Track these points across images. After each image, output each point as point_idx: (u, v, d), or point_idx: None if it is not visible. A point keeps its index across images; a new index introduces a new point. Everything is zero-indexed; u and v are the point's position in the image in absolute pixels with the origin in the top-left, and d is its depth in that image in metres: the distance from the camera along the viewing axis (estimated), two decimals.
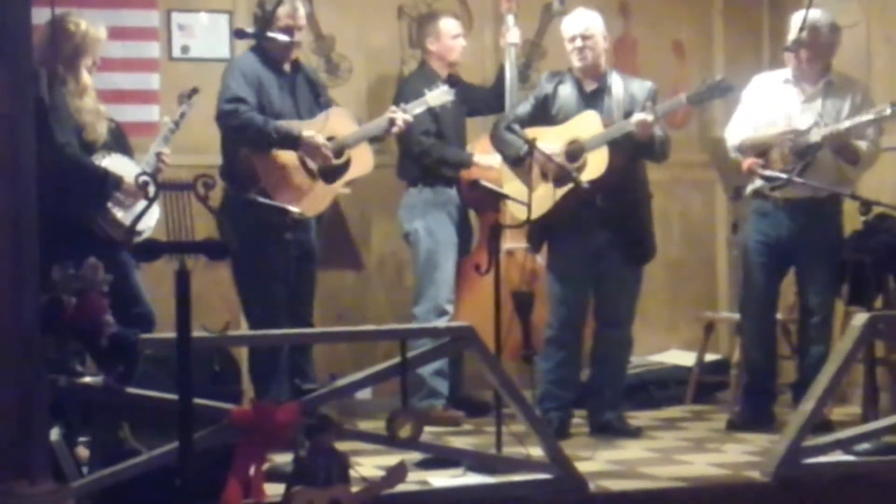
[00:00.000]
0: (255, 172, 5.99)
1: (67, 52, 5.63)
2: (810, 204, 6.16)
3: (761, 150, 6.16)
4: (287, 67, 6.22)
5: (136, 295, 5.63)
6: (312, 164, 6.07)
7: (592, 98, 6.23)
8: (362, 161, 6.25)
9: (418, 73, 6.85)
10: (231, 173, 6.08)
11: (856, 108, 6.16)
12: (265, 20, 6.11)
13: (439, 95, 6.42)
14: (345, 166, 6.17)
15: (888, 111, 5.91)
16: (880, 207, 5.89)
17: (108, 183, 5.61)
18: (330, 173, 6.13)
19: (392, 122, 6.21)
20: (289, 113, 6.12)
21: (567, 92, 6.25)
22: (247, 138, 6.00)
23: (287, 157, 6.04)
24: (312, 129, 6.06)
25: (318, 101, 6.29)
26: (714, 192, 7.70)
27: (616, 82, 6.24)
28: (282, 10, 6.10)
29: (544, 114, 6.23)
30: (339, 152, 6.14)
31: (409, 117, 6.26)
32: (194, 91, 6.09)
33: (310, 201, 6.08)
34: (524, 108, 6.32)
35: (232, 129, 6.03)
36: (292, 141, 6.01)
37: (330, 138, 6.12)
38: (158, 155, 5.88)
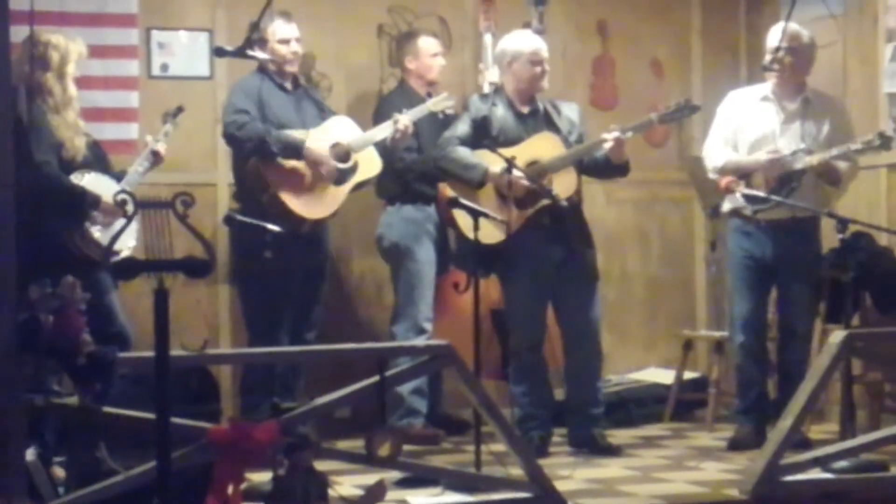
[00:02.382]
0: (263, 180, 6.11)
1: (55, 63, 5.61)
2: (792, 224, 6.20)
3: (745, 173, 6.17)
4: (289, 85, 6.37)
5: (111, 314, 5.61)
6: (317, 174, 6.20)
7: (528, 119, 6.26)
8: (369, 164, 6.38)
9: (397, 92, 6.88)
10: (241, 190, 6.23)
11: (835, 129, 6.21)
12: (261, 39, 6.20)
13: (440, 102, 6.53)
14: (352, 169, 6.28)
15: (877, 142, 5.96)
16: (857, 225, 5.92)
17: (86, 202, 5.61)
18: (339, 176, 6.24)
19: (396, 122, 6.32)
20: (294, 126, 6.25)
21: (502, 113, 6.25)
22: (251, 148, 6.14)
23: (294, 162, 6.17)
24: (314, 137, 6.18)
25: (322, 118, 6.41)
26: (692, 209, 7.72)
27: (547, 105, 6.30)
28: (275, 25, 6.29)
29: (483, 135, 6.19)
30: (345, 157, 6.27)
31: (410, 121, 6.36)
32: (179, 110, 6.10)
33: (321, 204, 6.23)
34: (463, 128, 6.27)
35: (236, 139, 6.19)
36: (295, 149, 6.15)
37: (334, 145, 6.24)
38: (155, 153, 5.86)
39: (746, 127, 6.31)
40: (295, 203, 6.14)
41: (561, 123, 6.25)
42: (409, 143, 6.60)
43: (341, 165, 6.26)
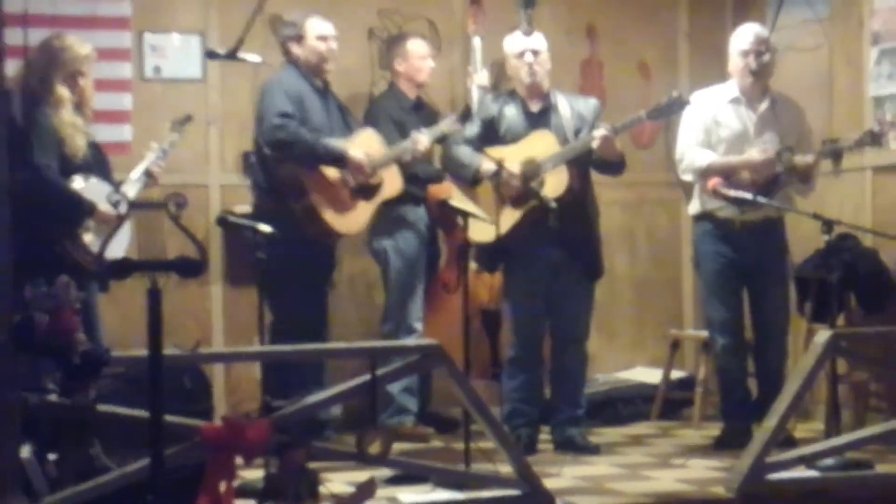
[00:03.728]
0: (302, 188, 6.09)
1: (41, 64, 5.63)
2: (766, 224, 6.29)
3: (732, 173, 6.22)
4: (320, 85, 6.34)
5: (90, 328, 5.57)
6: (352, 182, 6.19)
7: (539, 118, 6.27)
8: (394, 182, 6.42)
9: (387, 95, 6.91)
10: (267, 193, 6.16)
11: (800, 129, 6.34)
12: (298, 36, 6.19)
13: (451, 124, 6.49)
14: (378, 186, 6.32)
15: (868, 140, 6.07)
16: (842, 227, 5.97)
17: (82, 209, 5.58)
18: (366, 192, 6.26)
19: (416, 143, 6.35)
20: (325, 130, 6.24)
21: (513, 112, 6.28)
22: (294, 154, 6.10)
23: (332, 173, 6.18)
24: (352, 148, 6.20)
25: (345, 121, 6.42)
26: (680, 210, 7.73)
27: (561, 101, 6.30)
28: (312, 21, 6.31)
29: (492, 134, 6.25)
30: (372, 172, 6.29)
31: (430, 142, 6.40)
32: (188, 118, 6.10)
33: (352, 218, 6.26)
34: (472, 129, 6.33)
35: (280, 144, 6.11)
36: (338, 159, 6.15)
37: None
38: (148, 172, 5.86)
39: (719, 127, 6.35)
40: (329, 215, 6.15)
41: (569, 120, 6.26)
42: None
43: (371, 181, 6.31)
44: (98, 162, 5.80)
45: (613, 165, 6.25)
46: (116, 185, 5.76)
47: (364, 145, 6.31)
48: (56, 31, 5.76)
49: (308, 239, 6.11)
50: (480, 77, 6.93)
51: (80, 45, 5.75)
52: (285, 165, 6.15)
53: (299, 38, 6.30)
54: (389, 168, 6.38)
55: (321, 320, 6.33)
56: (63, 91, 5.67)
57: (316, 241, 6.18)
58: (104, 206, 5.54)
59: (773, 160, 6.15)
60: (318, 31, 6.33)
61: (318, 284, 6.34)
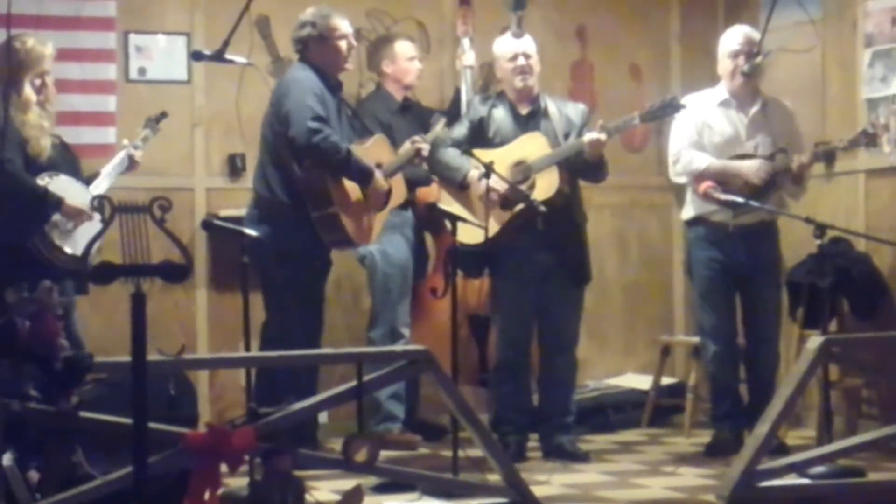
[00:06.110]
0: (329, 197, 5.95)
1: (11, 67, 5.57)
2: (759, 228, 6.28)
3: (729, 177, 6.18)
4: (334, 85, 6.17)
5: (69, 328, 5.49)
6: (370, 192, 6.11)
7: (528, 120, 6.24)
8: (400, 189, 6.34)
9: (374, 96, 6.87)
10: (281, 197, 6.02)
11: (791, 131, 6.33)
12: (320, 36, 6.08)
13: (441, 126, 6.39)
14: (389, 194, 6.23)
15: (863, 141, 6.12)
16: (835, 231, 5.95)
17: (48, 203, 5.51)
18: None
19: (419, 151, 6.22)
20: (344, 135, 6.10)
21: (502, 115, 6.25)
22: (329, 162, 5.93)
23: (352, 184, 6.05)
24: (364, 156, 6.07)
25: (352, 124, 6.30)
26: (671, 215, 7.73)
27: (550, 105, 6.27)
28: (335, 21, 6.13)
29: (480, 136, 6.22)
30: (389, 187, 6.20)
31: (427, 146, 6.28)
32: (163, 115, 6.03)
33: (367, 228, 6.14)
34: (460, 131, 6.29)
35: (316, 150, 5.89)
36: (366, 176, 6.02)
37: (378, 165, 6.14)
38: (131, 157, 5.81)
39: (710, 131, 6.33)
40: (349, 224, 6.01)
41: (558, 124, 6.23)
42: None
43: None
44: (67, 162, 5.72)
45: (596, 169, 6.20)
46: (86, 183, 5.69)
47: (376, 153, 6.19)
48: (14, 33, 5.65)
49: (307, 244, 6.00)
50: (468, 57, 6.91)
51: (43, 44, 5.69)
52: (310, 173, 5.95)
53: (320, 38, 6.15)
54: (397, 175, 6.29)
55: (320, 326, 6.23)
56: (31, 93, 5.61)
57: (314, 245, 6.06)
58: (72, 201, 5.47)
59: (770, 165, 6.12)
60: (341, 29, 6.13)
61: (318, 291, 6.23)
